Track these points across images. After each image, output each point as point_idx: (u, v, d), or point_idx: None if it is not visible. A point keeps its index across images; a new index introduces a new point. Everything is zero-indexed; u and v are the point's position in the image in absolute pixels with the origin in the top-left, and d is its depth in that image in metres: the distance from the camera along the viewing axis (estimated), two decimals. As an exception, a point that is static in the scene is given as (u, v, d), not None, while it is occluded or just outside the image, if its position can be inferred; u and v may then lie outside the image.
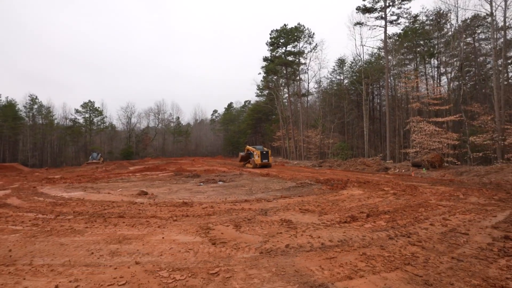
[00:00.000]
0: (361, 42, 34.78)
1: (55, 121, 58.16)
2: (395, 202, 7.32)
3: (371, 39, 38.75)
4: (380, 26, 32.10)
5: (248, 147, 25.48)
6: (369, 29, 33.96)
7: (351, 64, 45.28)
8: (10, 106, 51.00)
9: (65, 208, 7.55)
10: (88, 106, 59.03)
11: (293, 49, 43.45)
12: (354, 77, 42.08)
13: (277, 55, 44.05)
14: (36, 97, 55.73)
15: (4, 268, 3.60)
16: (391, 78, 35.51)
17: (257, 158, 22.24)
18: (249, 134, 64.83)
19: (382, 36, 31.74)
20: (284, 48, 43.78)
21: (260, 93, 59.38)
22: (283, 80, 47.24)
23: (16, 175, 24.45)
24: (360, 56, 38.45)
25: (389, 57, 33.31)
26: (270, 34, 43.70)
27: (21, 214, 7.03)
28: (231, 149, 68.24)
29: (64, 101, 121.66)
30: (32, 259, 3.92)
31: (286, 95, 48.39)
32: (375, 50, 38.00)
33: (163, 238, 4.67)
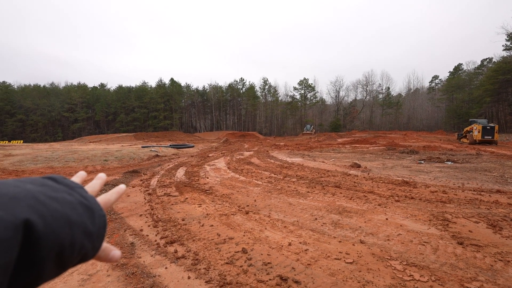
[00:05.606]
0: None
1: (279, 98, 70.25)
2: None
3: None
4: None
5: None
6: None
7: None
8: (251, 88, 66.65)
9: (290, 171, 8.64)
10: (303, 84, 66.32)
11: None
12: None
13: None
14: (267, 79, 69.51)
15: (253, 215, 4.41)
16: None
17: (476, 134, 19.06)
18: (487, 104, 48.98)
19: None
20: None
21: (511, 45, 42.31)
22: None
23: (255, 141, 31.96)
24: None
25: None
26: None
27: (260, 171, 8.75)
28: (456, 123, 54.57)
29: (286, 80, 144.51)
30: (270, 212, 4.58)
31: None
32: None
33: (386, 219, 4.09)
